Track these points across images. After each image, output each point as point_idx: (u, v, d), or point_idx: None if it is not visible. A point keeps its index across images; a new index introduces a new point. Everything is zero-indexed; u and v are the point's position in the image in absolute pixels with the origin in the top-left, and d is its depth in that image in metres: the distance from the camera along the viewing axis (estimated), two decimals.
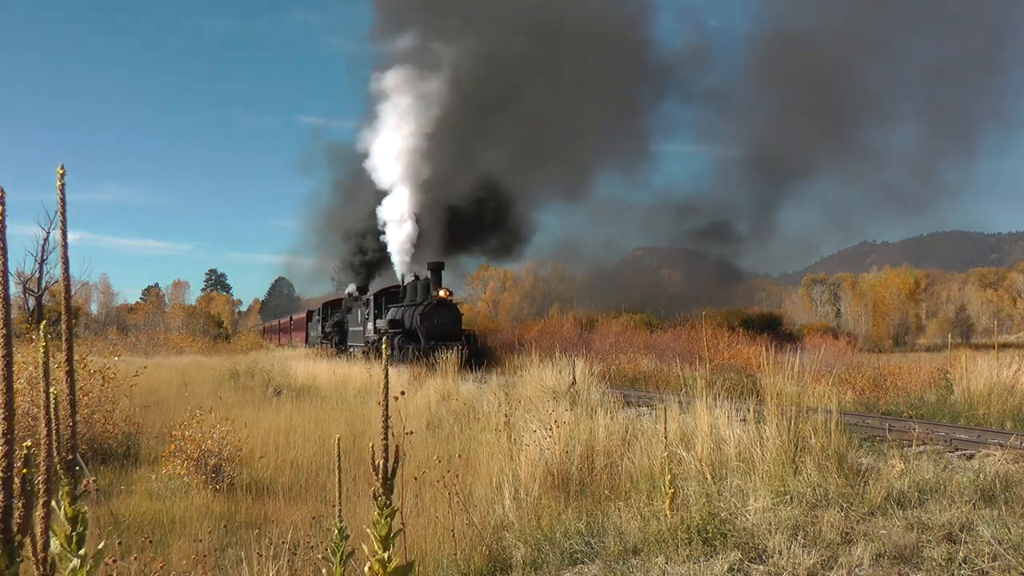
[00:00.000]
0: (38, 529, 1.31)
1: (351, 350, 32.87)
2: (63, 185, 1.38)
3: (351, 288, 40.28)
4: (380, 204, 36.02)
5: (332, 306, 42.29)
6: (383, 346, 2.20)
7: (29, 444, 1.26)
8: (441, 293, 25.95)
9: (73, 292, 1.44)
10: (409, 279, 29.47)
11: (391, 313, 28.18)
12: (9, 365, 1.21)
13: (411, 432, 6.67)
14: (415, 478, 5.87)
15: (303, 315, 53.70)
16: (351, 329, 35.15)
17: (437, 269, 26.96)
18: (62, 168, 1.39)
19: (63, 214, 1.38)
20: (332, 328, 39.05)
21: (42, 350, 1.38)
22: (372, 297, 30.78)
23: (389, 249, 33.31)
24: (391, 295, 30.18)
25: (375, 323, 29.73)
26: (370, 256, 42.00)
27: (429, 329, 25.14)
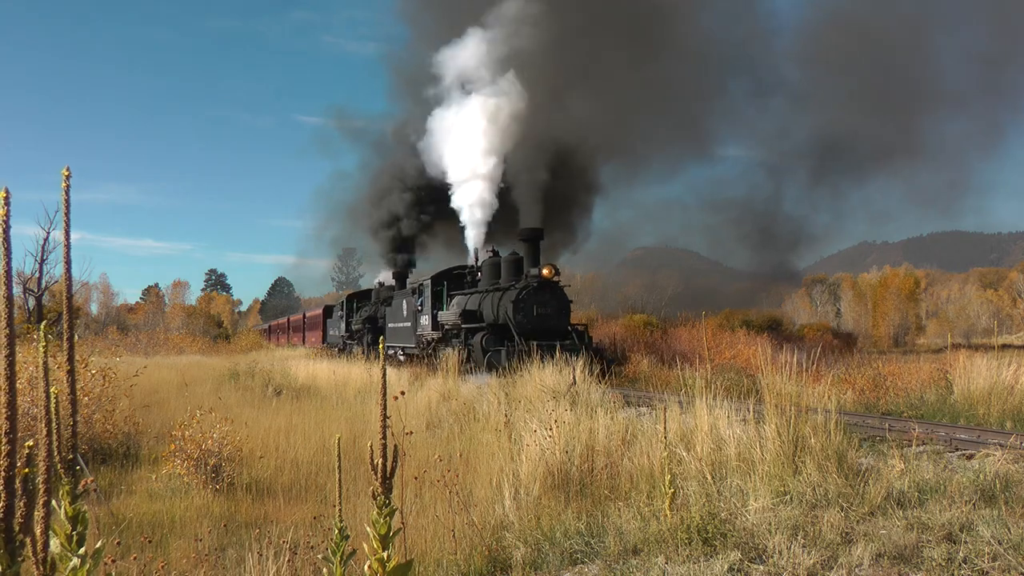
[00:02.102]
0: (38, 529, 1.31)
1: (394, 353, 26.77)
2: (68, 187, 1.38)
3: (383, 276, 34.28)
4: (422, 179, 30.51)
5: (359, 298, 35.65)
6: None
7: (31, 444, 1.27)
8: (544, 271, 18.63)
9: (73, 292, 1.45)
10: (483, 257, 22.60)
11: (461, 302, 21.45)
12: (12, 365, 1.21)
13: (411, 432, 6.67)
14: (415, 478, 5.88)
15: (318, 311, 46.92)
16: (392, 325, 28.17)
17: (535, 239, 19.47)
18: (67, 170, 1.39)
19: (67, 215, 1.38)
20: (363, 325, 32.12)
21: (43, 350, 1.38)
22: (429, 281, 23.29)
23: (462, 221, 24.90)
24: (454, 279, 23.36)
25: (434, 316, 22.77)
26: (408, 235, 34.55)
27: (528, 322, 18.21)
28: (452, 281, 23.24)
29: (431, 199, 32.47)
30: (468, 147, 24.06)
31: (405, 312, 26.07)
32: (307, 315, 51.86)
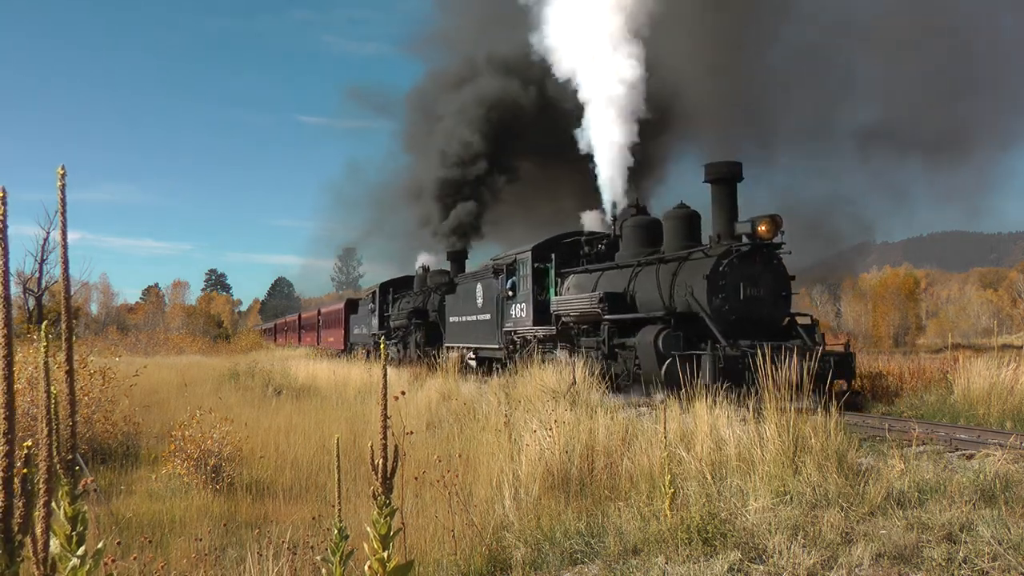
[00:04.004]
0: (38, 529, 1.31)
1: (461, 355, 19.92)
2: (63, 186, 1.38)
3: (424, 260, 28.37)
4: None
5: (397, 287, 28.69)
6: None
7: (30, 444, 1.27)
8: (762, 227, 11.79)
9: (73, 292, 1.45)
10: (612, 219, 16.43)
11: (583, 283, 15.48)
12: (10, 365, 1.21)
13: (411, 432, 6.67)
14: (415, 478, 5.88)
15: (337, 306, 39.43)
16: (456, 319, 21.80)
17: (730, 178, 12.44)
18: (63, 169, 1.39)
19: (63, 215, 1.38)
20: (407, 320, 25.37)
21: (43, 350, 1.38)
22: (529, 254, 17.05)
23: (600, 180, 17.51)
24: (565, 251, 16.83)
25: (539, 302, 16.57)
26: (466, 212, 27.88)
27: (731, 309, 11.72)
28: (562, 253, 16.76)
29: (502, 161, 26.81)
30: (605, 54, 16.96)
31: (480, 300, 19.79)
32: (323, 311, 43.74)
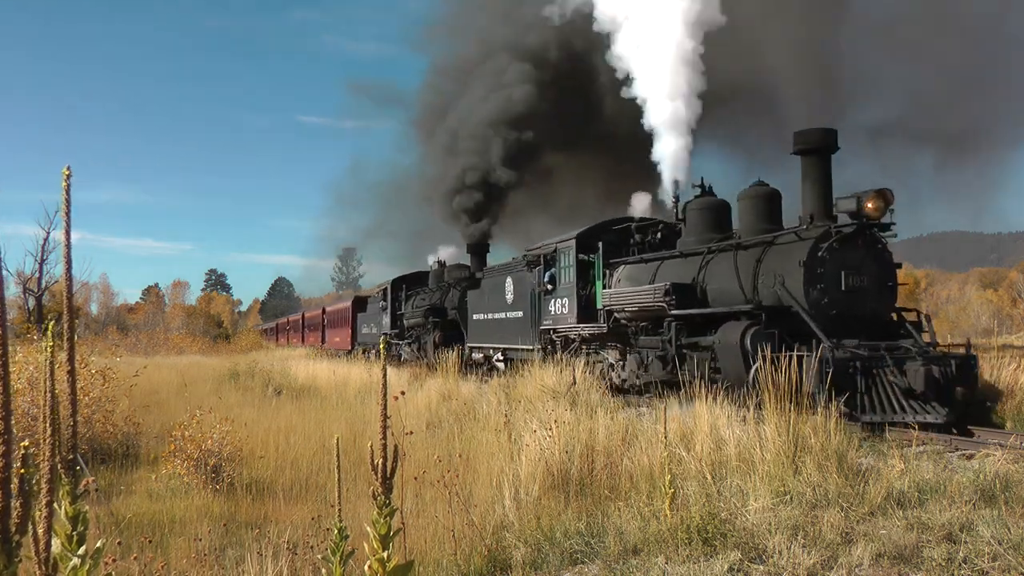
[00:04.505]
0: (40, 528, 1.31)
1: (484, 357, 19.17)
2: (69, 186, 1.38)
3: (440, 254, 26.62)
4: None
5: (410, 283, 26.87)
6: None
7: (27, 444, 1.27)
8: (870, 204, 9.99)
9: (73, 292, 1.45)
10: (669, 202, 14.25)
11: (637, 275, 13.50)
12: (6, 365, 1.21)
13: (411, 432, 6.68)
14: (415, 478, 5.88)
15: (343, 305, 37.84)
16: (480, 317, 20.06)
17: (824, 148, 10.64)
18: (68, 169, 1.39)
19: (68, 215, 1.38)
20: (424, 318, 23.36)
21: (48, 350, 1.38)
22: (573, 242, 15.09)
23: (660, 157, 14.71)
24: (612, 237, 14.85)
25: (583, 298, 14.81)
26: (494, 192, 25.57)
27: (831, 303, 10.06)
28: (609, 242, 14.79)
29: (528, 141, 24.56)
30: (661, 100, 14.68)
31: (510, 296, 18.01)
32: (328, 310, 42.08)
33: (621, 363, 13.72)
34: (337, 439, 2.30)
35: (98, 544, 1.50)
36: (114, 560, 4.11)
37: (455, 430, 9.83)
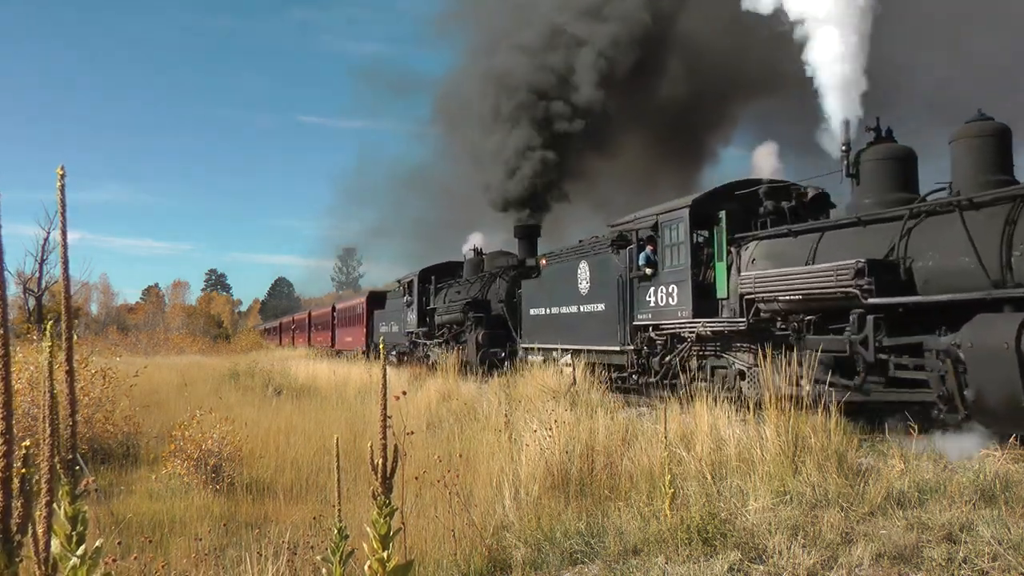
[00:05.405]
0: (40, 528, 1.31)
1: (546, 360, 15.33)
2: (63, 186, 1.38)
3: (475, 242, 23.56)
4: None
5: (440, 274, 23.64)
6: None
7: (28, 444, 1.27)
8: None
9: (73, 292, 1.45)
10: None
11: (785, 249, 10.36)
12: (7, 365, 1.21)
13: (411, 432, 6.67)
14: (415, 478, 5.88)
15: (356, 300, 34.40)
16: (537, 312, 16.97)
17: None
18: (62, 169, 1.39)
19: (63, 215, 1.38)
20: (462, 313, 20.13)
21: (47, 350, 1.38)
22: (686, 211, 11.88)
23: (823, 87, 10.36)
24: (735, 207, 11.54)
25: (693, 288, 11.72)
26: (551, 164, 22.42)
27: None
28: (731, 213, 11.45)
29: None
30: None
31: (585, 284, 14.86)
32: (339, 307, 39.02)
33: (756, 370, 10.24)
34: (337, 439, 2.30)
35: (97, 544, 1.50)
36: (114, 560, 4.11)
37: (455, 430, 9.84)
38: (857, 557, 4.33)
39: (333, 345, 37.55)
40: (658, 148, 24.74)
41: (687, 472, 6.32)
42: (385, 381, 1.96)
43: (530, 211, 23.32)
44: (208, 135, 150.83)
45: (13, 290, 37.71)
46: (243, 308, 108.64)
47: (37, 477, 1.30)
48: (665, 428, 5.66)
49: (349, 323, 35.09)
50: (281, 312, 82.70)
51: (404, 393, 10.09)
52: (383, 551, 1.89)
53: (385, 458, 1.92)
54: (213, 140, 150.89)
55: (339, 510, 2.10)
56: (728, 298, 11.27)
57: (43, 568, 1.34)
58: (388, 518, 1.92)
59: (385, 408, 1.94)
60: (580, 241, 16.41)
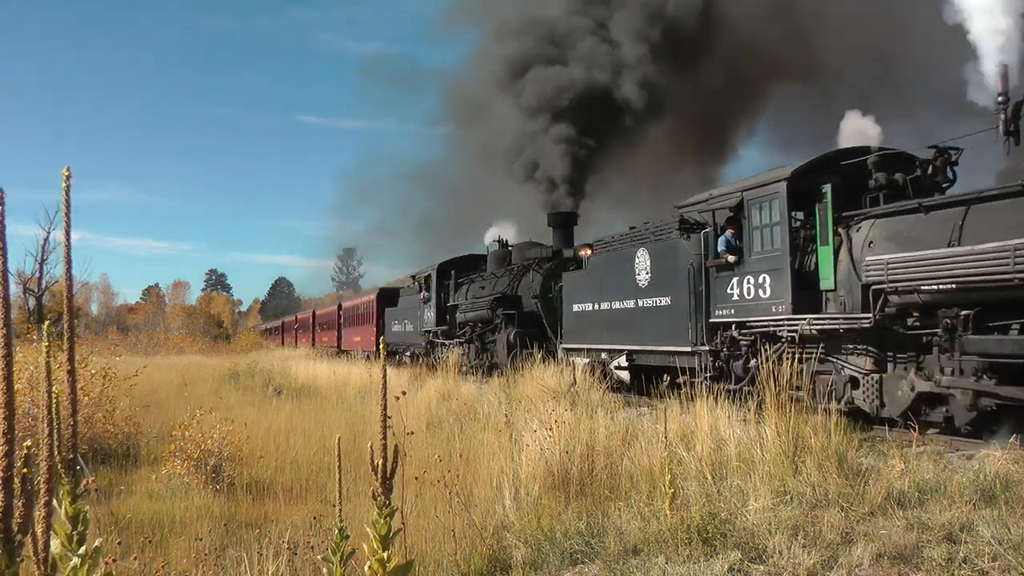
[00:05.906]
0: (39, 528, 1.31)
1: (614, 371, 13.54)
2: (68, 187, 1.38)
3: (497, 234, 21.77)
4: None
5: (460, 268, 21.91)
6: None
7: (30, 444, 1.27)
8: None
9: (73, 292, 1.45)
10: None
11: (918, 228, 8.44)
12: (9, 365, 1.21)
13: (411, 432, 6.68)
14: (415, 478, 5.88)
15: (366, 298, 32.28)
16: (581, 308, 15.14)
17: None
18: (68, 170, 1.39)
19: (67, 215, 1.38)
20: (488, 312, 18.45)
21: (45, 350, 1.38)
22: (784, 186, 9.96)
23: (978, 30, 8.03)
24: (839, 179, 9.65)
25: (792, 277, 9.92)
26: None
27: None
28: (848, 181, 9.75)
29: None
30: None
31: (644, 276, 13.01)
32: (345, 305, 36.99)
33: (877, 377, 8.85)
34: (338, 439, 2.30)
35: (97, 544, 1.51)
36: (114, 560, 4.11)
37: (455, 430, 9.84)
38: (857, 557, 4.33)
39: (339, 345, 35.87)
40: (681, 140, 23.62)
41: (687, 472, 6.32)
42: (385, 381, 1.96)
43: (570, 194, 21.01)
44: (208, 135, 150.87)
45: (13, 290, 37.70)
46: (243, 308, 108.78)
47: (38, 477, 1.30)
48: (665, 428, 5.66)
49: (357, 322, 33.25)
50: (282, 312, 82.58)
51: (404, 393, 10.09)
52: (383, 551, 1.89)
53: (385, 458, 1.92)
54: (213, 140, 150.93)
55: (339, 510, 2.10)
56: (836, 289, 9.53)
57: (43, 568, 1.34)
58: (388, 518, 1.92)
59: (385, 408, 1.95)
60: (631, 227, 14.53)
